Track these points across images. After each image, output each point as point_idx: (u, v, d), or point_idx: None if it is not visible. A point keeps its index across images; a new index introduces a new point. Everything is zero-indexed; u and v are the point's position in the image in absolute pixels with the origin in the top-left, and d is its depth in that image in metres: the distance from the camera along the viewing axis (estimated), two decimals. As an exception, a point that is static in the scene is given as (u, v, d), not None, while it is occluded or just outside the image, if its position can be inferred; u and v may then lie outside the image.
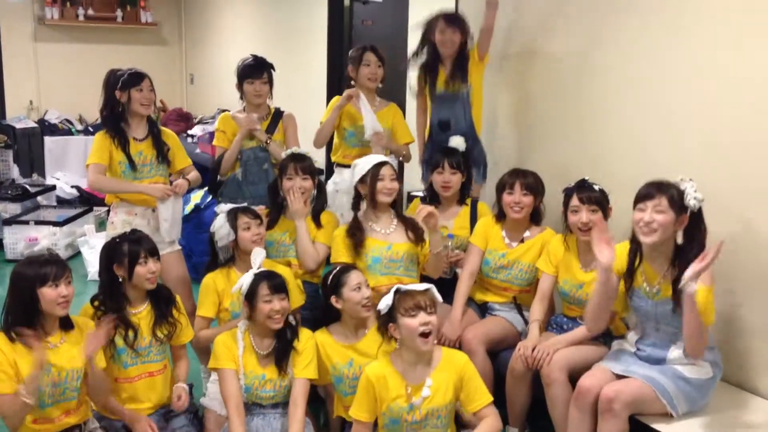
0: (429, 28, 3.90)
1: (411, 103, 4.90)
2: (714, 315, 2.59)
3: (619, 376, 2.71)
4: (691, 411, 2.69)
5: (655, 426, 2.63)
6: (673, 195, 2.61)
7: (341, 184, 3.99)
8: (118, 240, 2.97)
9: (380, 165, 3.33)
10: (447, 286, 3.42)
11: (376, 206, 3.35)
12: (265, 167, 3.88)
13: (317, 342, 2.99)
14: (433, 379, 2.63)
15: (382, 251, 3.29)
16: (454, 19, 3.86)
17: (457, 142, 3.70)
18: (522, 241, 3.37)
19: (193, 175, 3.78)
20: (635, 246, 2.75)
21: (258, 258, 2.95)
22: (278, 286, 2.82)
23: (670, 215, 2.60)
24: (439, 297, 2.66)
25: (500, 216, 3.40)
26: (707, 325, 2.57)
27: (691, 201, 2.60)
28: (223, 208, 3.34)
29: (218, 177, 3.96)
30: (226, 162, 3.88)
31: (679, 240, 2.64)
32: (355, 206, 3.45)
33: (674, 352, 2.73)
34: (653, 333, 2.78)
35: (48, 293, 2.59)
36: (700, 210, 2.63)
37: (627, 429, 2.61)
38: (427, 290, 2.63)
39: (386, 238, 3.34)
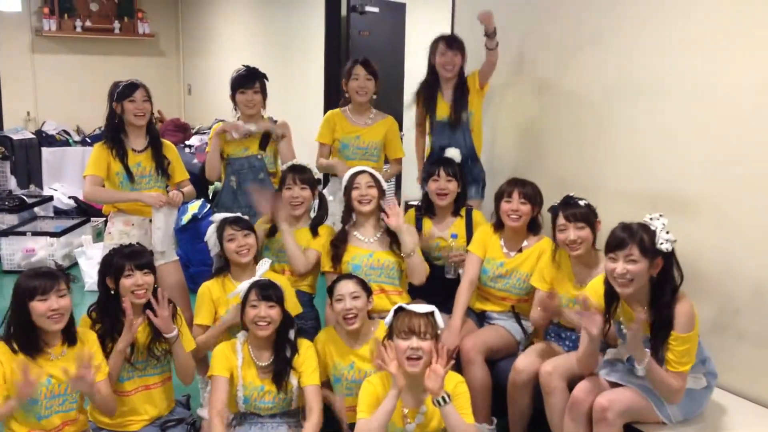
0: (431, 51, 3.95)
1: (408, 113, 4.93)
2: (691, 360, 2.56)
3: (614, 385, 2.71)
4: (687, 419, 2.69)
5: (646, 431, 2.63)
6: (644, 241, 2.52)
7: (336, 194, 4.01)
8: (112, 252, 2.95)
9: (357, 174, 3.37)
10: (453, 287, 3.45)
11: (358, 215, 3.39)
12: (261, 176, 3.88)
13: (322, 337, 3.04)
14: (428, 406, 2.62)
15: (363, 259, 3.33)
16: (454, 42, 3.92)
17: (453, 153, 3.72)
18: (520, 250, 3.37)
19: (188, 189, 3.79)
20: (610, 287, 2.67)
21: (261, 267, 2.98)
22: (269, 294, 2.82)
23: (643, 263, 2.52)
24: (441, 323, 2.64)
25: (498, 225, 3.40)
26: (683, 372, 2.55)
27: (663, 245, 2.52)
28: (217, 217, 3.35)
29: (211, 183, 3.95)
30: (208, 165, 3.88)
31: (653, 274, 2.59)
32: (345, 218, 3.46)
33: None
34: None
35: (37, 306, 2.56)
36: (673, 249, 2.54)
37: None
38: (427, 314, 2.60)
39: (369, 246, 3.37)
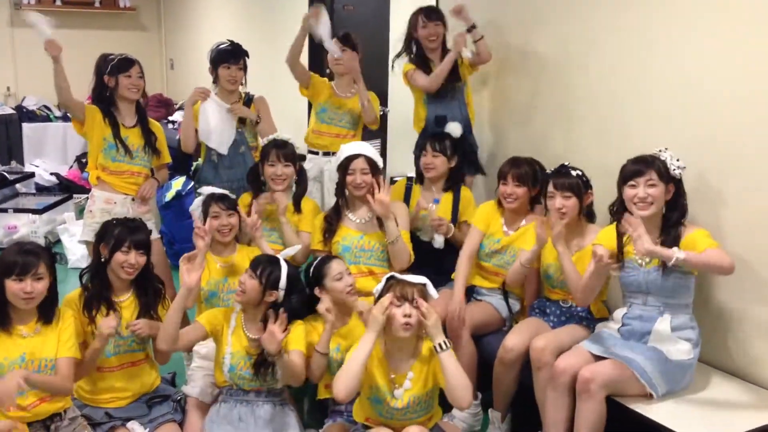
0: (411, 25, 3.94)
1: (393, 89, 4.90)
2: (713, 240, 2.70)
3: (599, 358, 2.75)
4: (672, 392, 2.72)
5: (634, 408, 2.66)
6: (660, 168, 2.74)
7: (311, 171, 4.00)
8: (115, 222, 2.95)
9: (352, 158, 3.34)
10: (440, 263, 3.50)
11: (351, 196, 3.38)
12: (242, 150, 3.86)
13: (311, 320, 3.02)
14: (414, 371, 2.63)
15: (353, 240, 3.32)
16: (433, 12, 3.93)
17: (453, 128, 3.73)
18: (518, 229, 3.37)
19: (163, 173, 3.85)
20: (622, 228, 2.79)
21: (289, 251, 3.06)
22: (256, 264, 2.82)
23: (661, 187, 2.74)
24: (434, 293, 2.64)
25: (501, 204, 3.39)
26: (716, 246, 2.66)
27: (675, 171, 2.75)
28: (206, 190, 3.35)
29: (195, 159, 3.94)
30: (183, 135, 3.86)
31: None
32: (339, 192, 3.44)
33: (661, 324, 2.77)
34: (641, 306, 2.82)
35: (11, 286, 2.55)
36: (680, 178, 2.78)
37: (604, 409, 2.64)
38: (419, 284, 2.61)
39: (360, 227, 3.37)
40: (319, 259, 3.10)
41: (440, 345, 2.51)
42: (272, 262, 2.86)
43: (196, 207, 3.34)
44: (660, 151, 2.77)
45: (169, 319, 2.77)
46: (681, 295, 2.77)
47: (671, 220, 2.77)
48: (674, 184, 2.77)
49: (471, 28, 3.82)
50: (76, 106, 3.55)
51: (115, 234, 2.86)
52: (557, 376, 2.76)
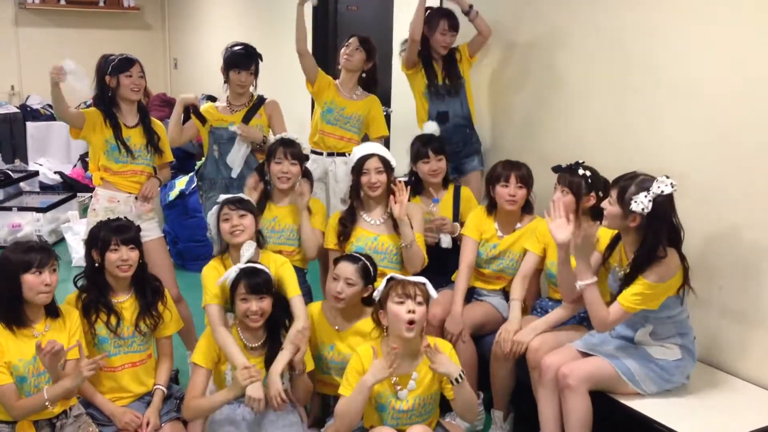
0: (430, 25, 3.95)
1: (396, 89, 4.91)
2: (644, 305, 2.61)
3: (587, 356, 2.78)
4: (662, 390, 2.74)
5: (631, 405, 2.68)
6: (623, 191, 2.59)
7: (315, 172, 4.00)
8: (99, 225, 2.97)
9: (366, 158, 3.34)
10: (442, 263, 3.52)
11: (366, 197, 3.38)
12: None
13: (312, 311, 3.07)
14: (419, 372, 2.65)
15: (367, 242, 3.32)
16: (456, 23, 3.96)
17: (432, 128, 3.75)
18: (514, 231, 3.38)
19: (165, 172, 3.84)
20: (617, 233, 2.80)
21: (246, 252, 2.90)
22: (256, 286, 2.77)
23: (616, 208, 2.63)
24: (434, 293, 2.65)
25: (491, 208, 3.40)
26: (625, 308, 2.62)
27: (633, 205, 2.54)
28: (222, 198, 3.19)
29: (197, 156, 3.93)
30: (169, 131, 3.87)
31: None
32: (354, 194, 3.44)
33: (640, 335, 2.79)
34: None
35: (30, 280, 2.59)
36: (657, 213, 2.54)
37: (588, 404, 2.67)
38: (420, 283, 2.63)
39: (374, 229, 3.36)
40: (343, 254, 3.13)
41: (456, 380, 2.56)
42: (259, 272, 2.84)
43: (211, 214, 3.17)
44: (660, 180, 2.54)
45: (208, 409, 2.83)
46: (659, 309, 2.69)
47: (642, 248, 2.62)
48: (648, 216, 2.55)
49: (468, 11, 3.90)
50: (75, 117, 3.52)
51: (101, 236, 2.89)
52: (544, 373, 2.79)
